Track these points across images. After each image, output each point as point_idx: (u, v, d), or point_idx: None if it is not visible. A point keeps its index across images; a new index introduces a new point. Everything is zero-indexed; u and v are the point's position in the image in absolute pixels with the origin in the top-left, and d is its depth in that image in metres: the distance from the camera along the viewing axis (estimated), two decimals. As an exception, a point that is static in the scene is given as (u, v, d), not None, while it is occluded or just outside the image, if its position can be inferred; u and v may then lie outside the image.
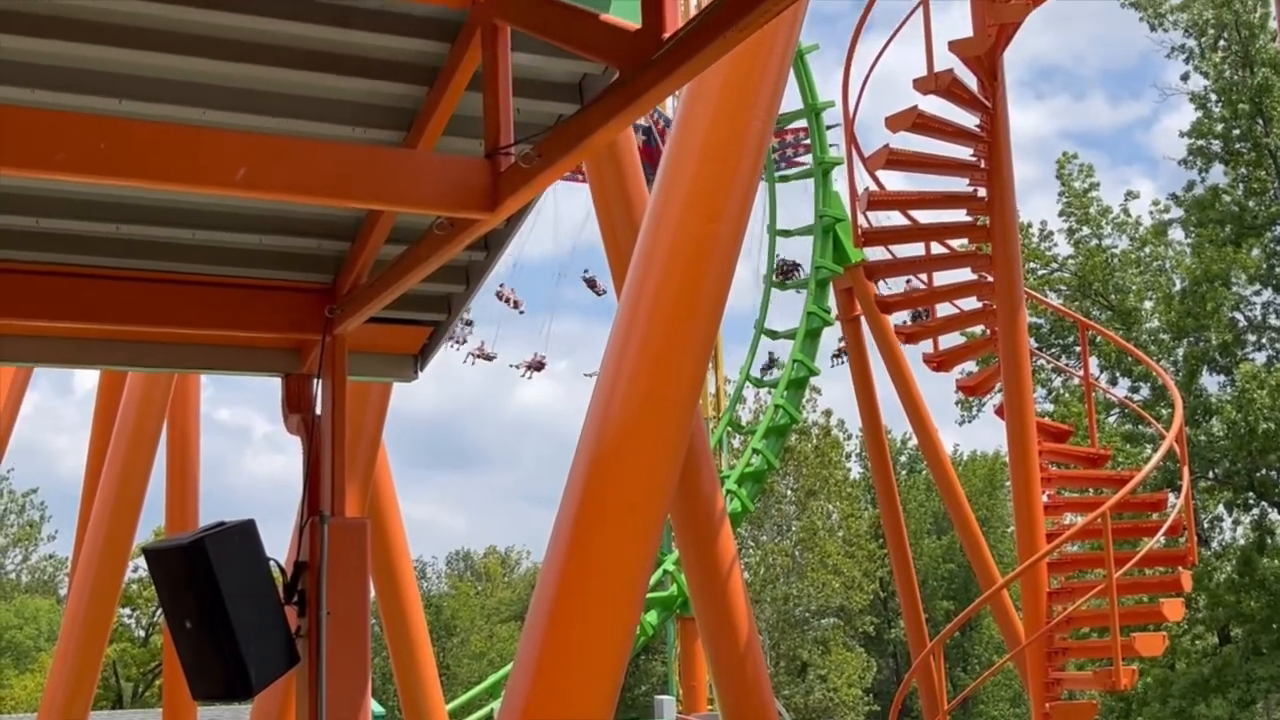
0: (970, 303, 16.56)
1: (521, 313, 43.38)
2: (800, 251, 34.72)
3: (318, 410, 7.21)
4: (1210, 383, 35.65)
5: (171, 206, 6.62)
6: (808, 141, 34.44)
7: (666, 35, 4.05)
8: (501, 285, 42.78)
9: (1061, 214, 38.14)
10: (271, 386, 7.66)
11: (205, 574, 6.05)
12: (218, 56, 5.55)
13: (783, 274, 35.68)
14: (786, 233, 35.20)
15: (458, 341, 41.50)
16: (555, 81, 6.12)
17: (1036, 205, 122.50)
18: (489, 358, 43.25)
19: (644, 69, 4.15)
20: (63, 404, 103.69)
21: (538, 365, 44.27)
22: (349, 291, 7.07)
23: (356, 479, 13.39)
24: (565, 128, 4.85)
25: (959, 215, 15.87)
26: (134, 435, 17.93)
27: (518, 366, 44.31)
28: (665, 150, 11.12)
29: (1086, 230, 37.87)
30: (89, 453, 21.14)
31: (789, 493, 55.22)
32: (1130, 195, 39.85)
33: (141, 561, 31.98)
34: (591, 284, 43.09)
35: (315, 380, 7.24)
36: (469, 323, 42.60)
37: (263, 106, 5.89)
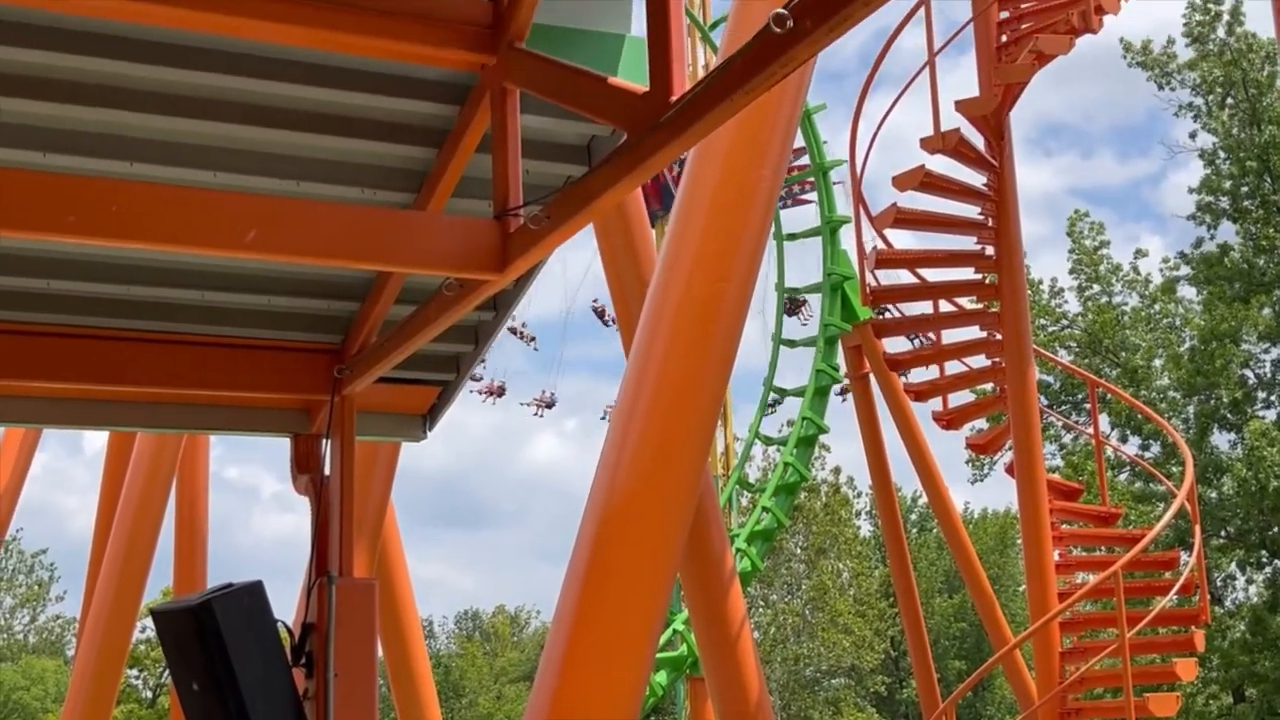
0: (979, 360, 16.55)
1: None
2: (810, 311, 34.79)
3: (326, 470, 7.20)
4: (1221, 441, 35.60)
5: (181, 268, 6.64)
6: (812, 194, 34.50)
7: (674, 98, 4.06)
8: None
9: (1072, 271, 38.24)
10: (280, 445, 7.67)
11: (213, 636, 6.03)
12: (229, 120, 5.59)
13: (791, 309, 35.87)
14: (795, 290, 35.27)
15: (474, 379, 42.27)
16: (564, 143, 6.14)
17: (1046, 261, 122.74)
18: (475, 379, 43.78)
19: (652, 131, 4.17)
20: (72, 464, 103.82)
21: (498, 391, 44.69)
22: (358, 352, 7.08)
23: (364, 538, 13.35)
24: (574, 189, 4.86)
25: (967, 273, 15.90)
26: (143, 495, 17.94)
27: (478, 392, 44.78)
28: (674, 209, 11.17)
29: (1097, 288, 37.95)
30: (98, 513, 21.15)
31: (798, 551, 55.00)
32: (1140, 253, 40.00)
33: (149, 622, 31.86)
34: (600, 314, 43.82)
35: (324, 440, 7.24)
36: (533, 338, 43.46)
37: (273, 169, 5.92)
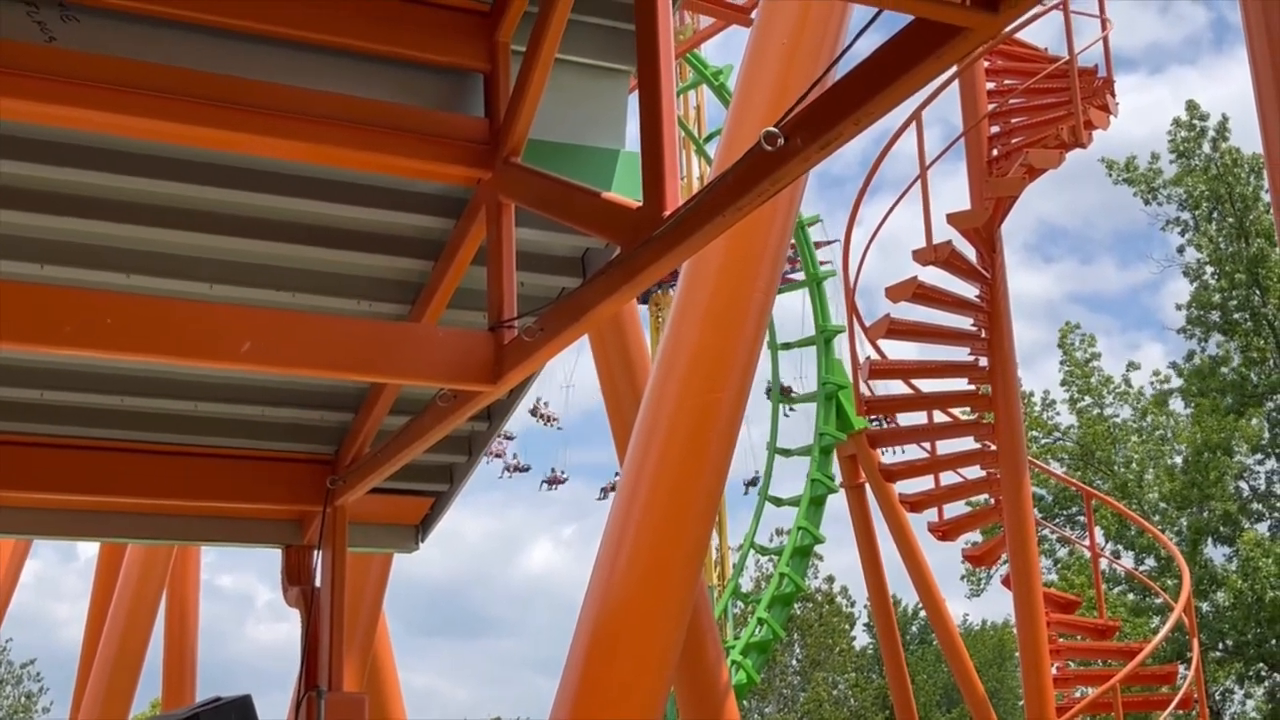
0: (974, 472, 16.54)
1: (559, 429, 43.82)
2: (804, 420, 34.78)
3: (317, 582, 7.15)
4: (1216, 554, 35.45)
5: (174, 379, 6.65)
6: (796, 259, 34.57)
7: (667, 213, 4.10)
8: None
9: (1063, 383, 38.35)
10: (274, 553, 7.64)
11: (200, 751, 5.96)
12: (225, 232, 5.63)
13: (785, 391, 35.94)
14: (790, 400, 35.33)
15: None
16: (558, 256, 6.18)
17: (1045, 369, 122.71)
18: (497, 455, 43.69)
19: (645, 245, 4.20)
20: (64, 572, 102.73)
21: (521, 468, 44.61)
22: (351, 462, 7.06)
23: (355, 650, 13.23)
24: (568, 301, 4.89)
25: (961, 384, 15.94)
26: (133, 605, 17.78)
27: (507, 470, 44.67)
28: (668, 321, 11.23)
29: (1088, 400, 38.02)
30: (87, 622, 20.94)
31: (794, 663, 54.44)
32: (1131, 366, 39.97)
33: (136, 734, 31.41)
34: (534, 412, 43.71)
35: (315, 551, 7.20)
36: (556, 418, 43.32)
37: (269, 280, 5.95)
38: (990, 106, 15.97)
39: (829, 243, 35.45)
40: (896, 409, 16.72)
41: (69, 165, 5.15)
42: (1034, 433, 37.10)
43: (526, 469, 45.32)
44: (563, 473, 45.99)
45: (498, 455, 44.29)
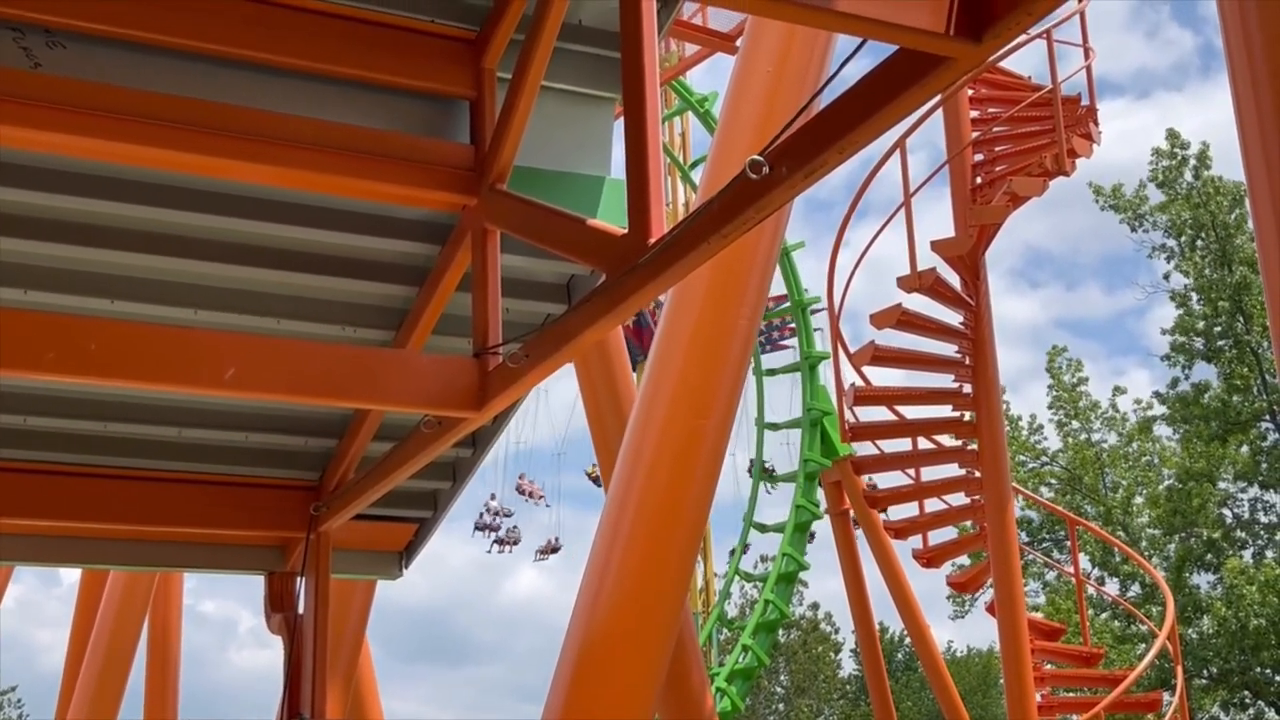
0: (959, 498, 16.54)
1: (548, 506, 43.10)
2: (789, 448, 34.76)
3: (300, 609, 7.12)
4: (1200, 581, 35.51)
5: (158, 405, 6.63)
6: (793, 325, 34.69)
7: (652, 240, 4.10)
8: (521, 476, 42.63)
9: (1050, 407, 38.46)
10: (257, 579, 7.60)
11: (181, 779, 5.92)
12: (210, 258, 5.62)
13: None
14: (774, 426, 35.31)
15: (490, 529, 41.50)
16: (543, 282, 6.18)
17: (1031, 394, 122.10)
18: (515, 542, 42.93)
19: (630, 272, 4.20)
20: (46, 597, 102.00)
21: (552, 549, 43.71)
22: (335, 488, 7.04)
23: (338, 678, 13.16)
24: (553, 328, 4.88)
25: (946, 410, 15.95)
26: (115, 631, 17.66)
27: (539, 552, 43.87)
28: (653, 346, 11.22)
29: (1076, 424, 38.12)
30: (69, 648, 20.80)
31: (779, 690, 54.30)
32: (1118, 390, 40.16)
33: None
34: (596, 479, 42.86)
35: (299, 578, 7.17)
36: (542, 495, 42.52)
37: (254, 306, 5.94)
38: (974, 134, 16.04)
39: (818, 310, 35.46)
40: (881, 435, 16.70)
41: (53, 191, 5.14)
42: (1021, 457, 37.17)
43: (556, 549, 44.12)
44: (556, 539, 44.72)
45: (498, 535, 43.29)
